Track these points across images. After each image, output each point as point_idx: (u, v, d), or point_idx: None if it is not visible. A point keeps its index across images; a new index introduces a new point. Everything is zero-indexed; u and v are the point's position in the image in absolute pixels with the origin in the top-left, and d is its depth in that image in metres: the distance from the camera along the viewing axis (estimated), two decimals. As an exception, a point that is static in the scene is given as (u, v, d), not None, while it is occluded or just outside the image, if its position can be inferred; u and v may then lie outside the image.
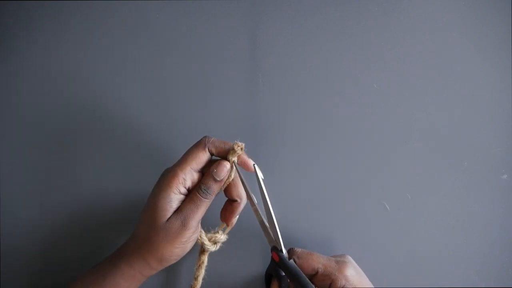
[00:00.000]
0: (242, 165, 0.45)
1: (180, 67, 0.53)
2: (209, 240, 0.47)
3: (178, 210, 0.43)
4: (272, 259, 0.45)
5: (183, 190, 0.44)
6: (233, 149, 0.44)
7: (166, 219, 0.43)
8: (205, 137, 0.45)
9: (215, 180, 0.43)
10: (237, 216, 0.47)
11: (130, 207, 0.51)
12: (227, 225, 0.47)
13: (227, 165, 0.44)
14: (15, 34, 0.52)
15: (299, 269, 0.43)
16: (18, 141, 0.51)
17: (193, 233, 0.44)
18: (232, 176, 0.45)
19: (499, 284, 0.52)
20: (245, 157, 0.45)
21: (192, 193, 0.44)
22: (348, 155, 0.53)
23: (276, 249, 0.44)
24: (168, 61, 0.53)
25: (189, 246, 0.44)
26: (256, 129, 0.53)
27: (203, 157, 0.44)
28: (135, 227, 0.45)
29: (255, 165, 0.44)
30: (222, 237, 0.47)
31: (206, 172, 0.45)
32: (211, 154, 0.45)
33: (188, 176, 0.43)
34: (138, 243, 0.44)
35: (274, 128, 0.53)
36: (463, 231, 0.52)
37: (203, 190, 0.43)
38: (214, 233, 0.47)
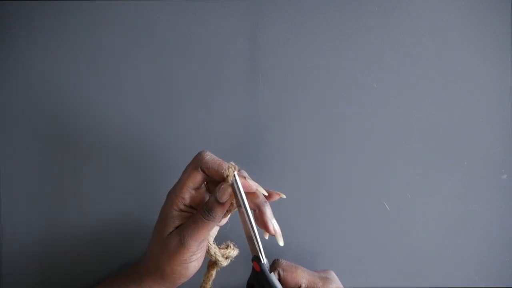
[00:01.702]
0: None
1: (180, 67, 0.53)
2: (222, 256, 0.46)
3: (179, 226, 0.43)
4: (253, 269, 0.45)
5: (183, 207, 0.44)
6: (228, 174, 0.42)
7: (167, 233, 0.43)
8: (199, 154, 0.44)
9: (218, 202, 0.42)
10: (270, 222, 0.43)
11: (131, 208, 0.51)
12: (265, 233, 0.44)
13: (229, 188, 0.43)
14: (15, 34, 0.52)
15: (278, 283, 0.43)
16: (18, 141, 0.51)
17: (194, 253, 0.43)
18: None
19: (499, 284, 0.52)
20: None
21: (196, 213, 0.43)
22: (348, 155, 0.53)
23: (258, 259, 0.44)
24: (168, 61, 0.53)
25: (192, 266, 0.43)
26: (256, 129, 0.53)
27: (197, 177, 0.43)
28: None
29: (235, 175, 0.42)
30: (234, 252, 0.47)
31: (210, 187, 0.45)
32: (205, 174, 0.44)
33: (186, 195, 0.43)
34: (146, 259, 0.45)
35: (274, 128, 0.53)
36: (463, 231, 0.52)
37: (205, 211, 0.43)
38: (226, 247, 0.47)
